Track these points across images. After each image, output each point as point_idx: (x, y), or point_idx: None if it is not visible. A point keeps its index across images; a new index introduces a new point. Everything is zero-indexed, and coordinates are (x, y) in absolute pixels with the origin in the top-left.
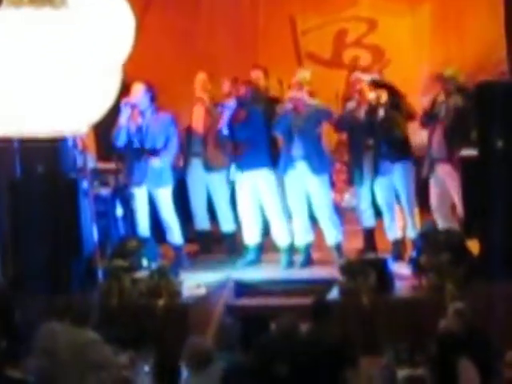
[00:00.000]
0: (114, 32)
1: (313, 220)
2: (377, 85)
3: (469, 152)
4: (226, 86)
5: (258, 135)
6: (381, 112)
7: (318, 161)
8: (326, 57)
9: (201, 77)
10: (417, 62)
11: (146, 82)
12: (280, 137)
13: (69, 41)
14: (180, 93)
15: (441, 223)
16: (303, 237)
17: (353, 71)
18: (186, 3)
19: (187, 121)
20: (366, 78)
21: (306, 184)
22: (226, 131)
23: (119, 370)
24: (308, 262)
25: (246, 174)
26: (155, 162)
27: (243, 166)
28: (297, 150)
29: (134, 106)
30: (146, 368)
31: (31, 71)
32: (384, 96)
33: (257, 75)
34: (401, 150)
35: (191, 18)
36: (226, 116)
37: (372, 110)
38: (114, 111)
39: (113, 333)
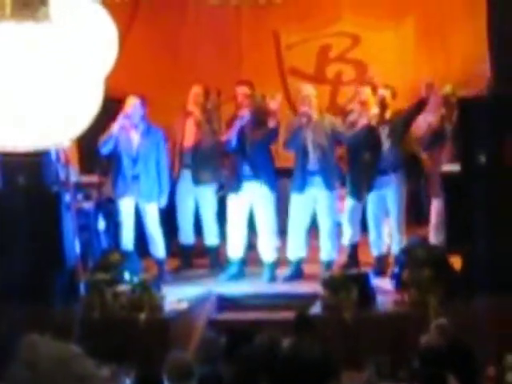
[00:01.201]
0: (97, 46)
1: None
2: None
3: (451, 167)
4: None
5: (263, 151)
6: (385, 126)
7: (332, 176)
8: (309, 72)
9: (195, 90)
10: (401, 77)
11: (139, 95)
12: (292, 152)
13: (51, 55)
14: (164, 106)
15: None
16: (296, 251)
17: (336, 86)
18: (171, 17)
19: (171, 134)
20: (367, 90)
21: (315, 199)
22: (234, 143)
23: None
24: (297, 276)
25: (245, 188)
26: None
27: (244, 179)
28: (312, 165)
29: (127, 118)
30: (128, 382)
31: (12, 85)
32: (389, 111)
33: (243, 91)
34: (400, 164)
35: (175, 32)
36: (236, 127)
37: (376, 124)
38: (97, 124)
39: (94, 346)
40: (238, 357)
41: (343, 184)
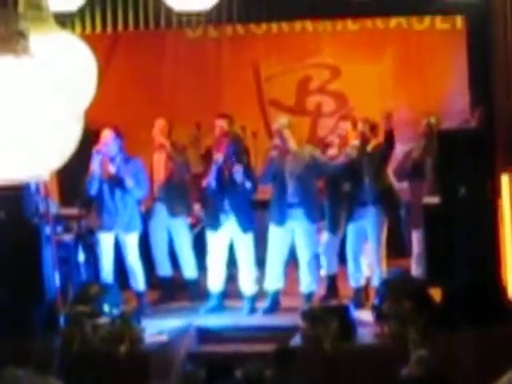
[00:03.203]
0: (77, 79)
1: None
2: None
3: (432, 199)
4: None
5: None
6: (365, 159)
7: (313, 208)
8: (289, 103)
9: (160, 123)
10: (380, 108)
11: (114, 128)
12: (269, 186)
13: (30, 88)
14: (143, 138)
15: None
16: (273, 283)
17: (316, 118)
18: (150, 50)
19: (148, 165)
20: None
21: (294, 232)
22: (213, 185)
23: None
24: (274, 308)
25: (224, 223)
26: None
27: (223, 214)
28: (291, 197)
29: (103, 153)
30: None
31: None
32: (370, 145)
33: (221, 124)
34: (378, 197)
35: (155, 65)
36: (213, 171)
37: (356, 156)
38: (77, 157)
39: (74, 379)
40: None
41: (322, 216)
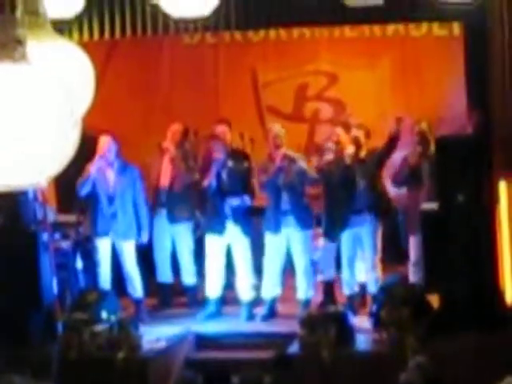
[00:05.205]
0: (74, 86)
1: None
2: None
3: (429, 206)
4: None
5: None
6: (360, 165)
7: (305, 215)
8: (286, 110)
9: (175, 127)
10: (378, 115)
11: (111, 134)
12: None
13: (28, 95)
14: (141, 145)
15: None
16: (270, 290)
17: (314, 125)
18: (147, 57)
19: (147, 173)
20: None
21: (289, 239)
22: (214, 186)
23: None
24: (271, 315)
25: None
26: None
27: (225, 219)
28: (285, 205)
29: (103, 158)
30: None
31: None
32: (363, 150)
33: (222, 130)
34: (374, 204)
35: (152, 70)
36: (213, 172)
37: (351, 163)
38: (75, 163)
39: None
40: None
41: (318, 223)
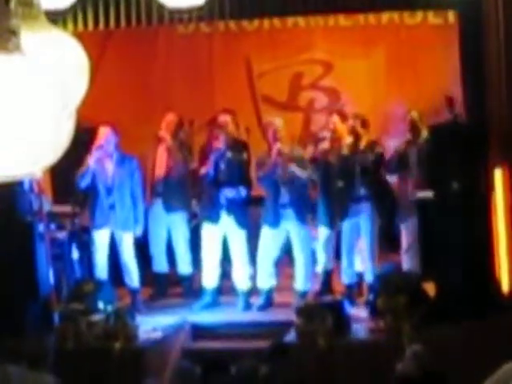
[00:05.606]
0: (69, 76)
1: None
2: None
3: (424, 194)
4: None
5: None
6: (358, 156)
7: (305, 208)
8: (281, 99)
9: (168, 117)
10: (373, 104)
11: (111, 125)
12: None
13: (22, 86)
14: (136, 135)
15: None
16: (266, 280)
17: (309, 114)
18: (142, 47)
19: (144, 163)
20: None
21: (289, 232)
22: (211, 175)
23: None
24: (268, 305)
25: (222, 217)
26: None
27: (221, 208)
28: (284, 198)
29: (101, 149)
30: None
31: None
32: (362, 141)
33: (225, 119)
34: (372, 193)
35: (147, 61)
36: (212, 160)
37: (349, 153)
38: (71, 154)
39: (69, 376)
40: None
41: (315, 215)
